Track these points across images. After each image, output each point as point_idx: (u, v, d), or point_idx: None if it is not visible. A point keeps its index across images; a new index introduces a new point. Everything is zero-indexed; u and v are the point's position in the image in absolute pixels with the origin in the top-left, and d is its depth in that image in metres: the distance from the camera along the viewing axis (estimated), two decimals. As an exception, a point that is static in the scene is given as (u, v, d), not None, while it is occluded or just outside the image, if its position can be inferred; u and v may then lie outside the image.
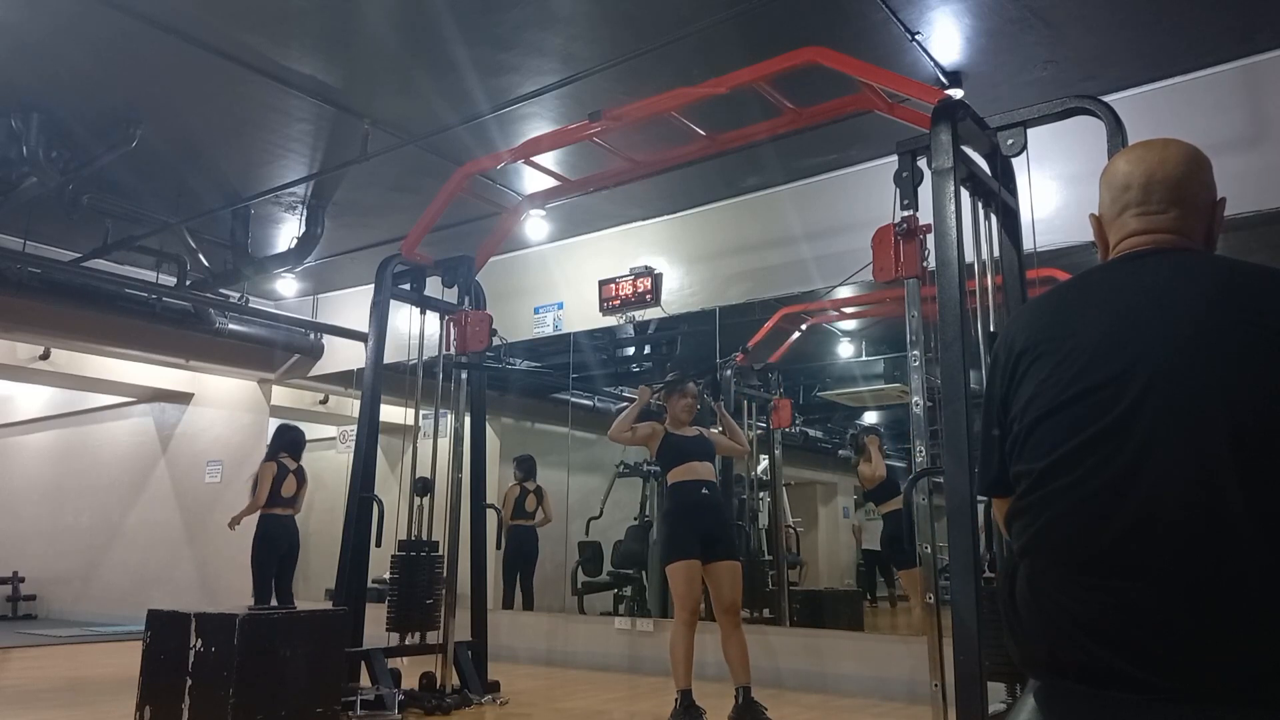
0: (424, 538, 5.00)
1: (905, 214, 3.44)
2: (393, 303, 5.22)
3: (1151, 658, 1.10)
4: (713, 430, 4.79)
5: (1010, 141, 3.45)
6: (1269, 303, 1.18)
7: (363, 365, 5.20)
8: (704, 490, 4.35)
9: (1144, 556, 1.11)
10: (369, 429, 4.92)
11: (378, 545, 4.83)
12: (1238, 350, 1.15)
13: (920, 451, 3.29)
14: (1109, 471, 1.16)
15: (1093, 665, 1.14)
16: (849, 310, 6.35)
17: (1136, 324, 1.22)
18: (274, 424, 8.56)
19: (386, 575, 4.91)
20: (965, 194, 3.32)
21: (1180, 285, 1.25)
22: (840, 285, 5.69)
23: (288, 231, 6.95)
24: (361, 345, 5.58)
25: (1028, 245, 3.66)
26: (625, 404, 4.86)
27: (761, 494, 6.66)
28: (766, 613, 6.15)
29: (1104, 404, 1.18)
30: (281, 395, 9.12)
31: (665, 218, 6.68)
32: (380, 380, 5.00)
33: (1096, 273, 1.38)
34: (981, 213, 3.52)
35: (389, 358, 5.09)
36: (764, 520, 6.62)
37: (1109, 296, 1.30)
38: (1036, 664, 1.23)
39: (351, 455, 5.04)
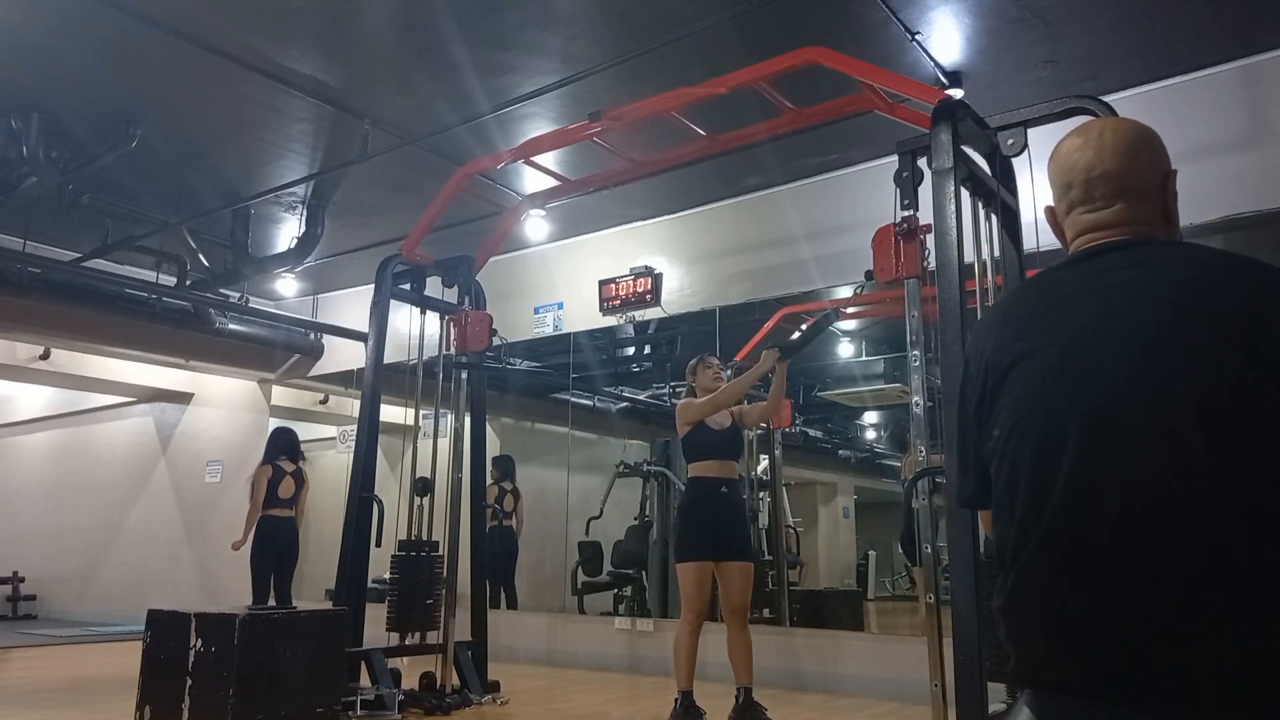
0: (424, 538, 5.00)
1: (905, 214, 3.43)
2: (393, 303, 5.22)
3: (1141, 661, 1.09)
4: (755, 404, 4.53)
5: (1010, 141, 3.44)
6: (1237, 295, 1.17)
7: (363, 365, 5.20)
8: (723, 489, 4.26)
9: (1130, 562, 1.11)
10: (369, 429, 4.92)
11: (378, 545, 4.83)
12: (1207, 348, 1.14)
13: (920, 451, 3.29)
14: (1088, 478, 1.15)
15: (1081, 671, 1.13)
16: (849, 310, 6.35)
17: (1104, 328, 1.21)
18: (274, 424, 8.58)
19: (386, 575, 4.91)
20: (965, 194, 3.31)
21: (1144, 282, 1.23)
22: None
23: (288, 231, 6.95)
24: (361, 345, 5.58)
25: (1028, 245, 3.65)
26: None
27: (761, 494, 6.66)
28: (766, 613, 6.15)
29: (1077, 411, 1.18)
30: (281, 395, 9.13)
31: (665, 218, 6.68)
32: (380, 380, 4.99)
33: (1058, 273, 1.35)
34: (981, 213, 3.51)
35: (389, 358, 5.08)
36: (764, 520, 6.62)
37: (1072, 301, 1.28)
38: (1028, 671, 1.23)
39: (351, 455, 5.04)
